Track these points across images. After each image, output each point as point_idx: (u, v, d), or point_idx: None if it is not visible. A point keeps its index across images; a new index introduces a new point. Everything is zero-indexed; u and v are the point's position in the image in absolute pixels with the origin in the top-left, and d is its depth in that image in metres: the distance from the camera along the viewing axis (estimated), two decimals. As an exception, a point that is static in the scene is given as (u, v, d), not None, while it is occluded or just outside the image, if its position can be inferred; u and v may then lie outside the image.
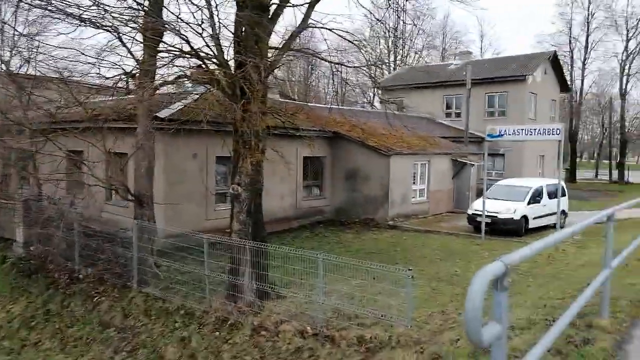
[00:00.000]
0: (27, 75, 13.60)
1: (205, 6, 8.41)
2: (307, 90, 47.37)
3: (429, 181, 19.32)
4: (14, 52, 14.67)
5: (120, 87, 11.87)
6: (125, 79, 11.04)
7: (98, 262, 10.04)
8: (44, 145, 11.98)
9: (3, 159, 14.04)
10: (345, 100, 47.17)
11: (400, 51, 48.17)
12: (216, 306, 8.10)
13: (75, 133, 11.29)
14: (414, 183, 18.58)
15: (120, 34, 10.14)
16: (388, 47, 47.07)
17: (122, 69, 10.28)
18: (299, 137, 15.87)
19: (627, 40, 41.17)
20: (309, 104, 23.29)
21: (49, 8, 9.62)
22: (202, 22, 7.79)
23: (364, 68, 11.09)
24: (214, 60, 8.57)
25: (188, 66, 9.51)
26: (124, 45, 10.26)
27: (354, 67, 10.98)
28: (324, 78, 48.61)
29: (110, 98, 13.96)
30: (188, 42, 8.01)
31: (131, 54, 10.45)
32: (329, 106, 17.34)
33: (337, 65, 10.92)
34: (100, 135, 10.89)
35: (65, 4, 9.18)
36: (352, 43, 9.69)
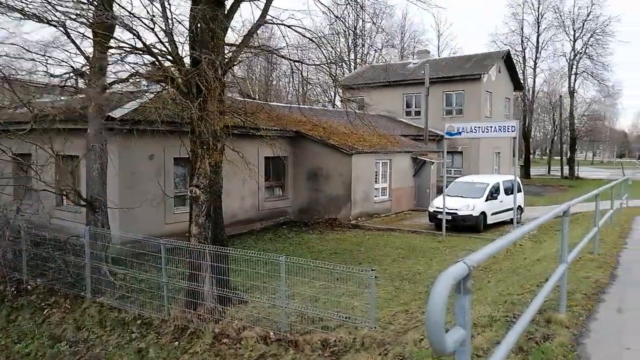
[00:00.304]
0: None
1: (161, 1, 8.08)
2: (268, 89, 46.96)
3: (390, 179, 19.49)
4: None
5: (68, 86, 11.31)
6: (74, 77, 10.53)
7: (48, 272, 9.49)
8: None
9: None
10: (307, 100, 47.08)
11: (360, 50, 48.61)
12: (175, 314, 7.79)
13: (21, 135, 10.64)
14: (376, 182, 18.69)
15: (68, 29, 9.65)
16: (348, 45, 47.35)
17: (71, 66, 9.80)
18: (259, 137, 15.62)
19: (574, 41, 43.11)
20: (270, 103, 23.07)
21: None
22: (154, 17, 7.45)
23: (324, 66, 10.96)
24: (168, 57, 8.25)
25: (142, 63, 9.14)
26: (72, 41, 9.77)
27: (314, 64, 10.89)
28: (285, 77, 48.37)
29: (59, 98, 13.26)
30: (139, 37, 7.67)
31: (80, 50, 9.96)
32: (290, 105, 17.17)
33: (296, 64, 10.80)
34: (47, 137, 10.30)
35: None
36: (312, 40, 9.57)
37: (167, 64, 8.58)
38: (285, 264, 7.17)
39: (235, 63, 9.59)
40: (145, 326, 7.91)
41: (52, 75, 10.03)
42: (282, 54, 11.39)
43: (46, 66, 9.69)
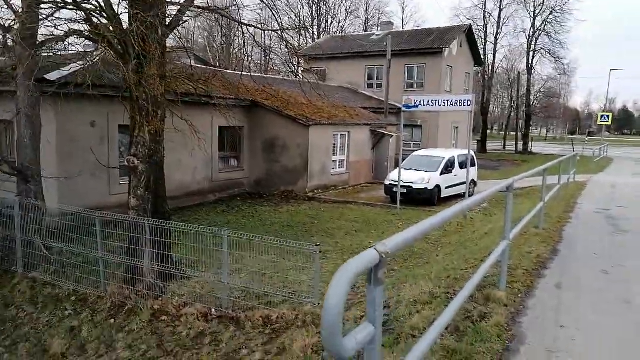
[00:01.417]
0: None
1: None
2: (229, 57, 45.42)
3: (348, 152, 19.30)
4: None
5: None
6: (1, 33, 9.62)
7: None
8: None
9: None
10: (270, 70, 45.93)
11: (324, 20, 47.57)
12: (112, 291, 7.38)
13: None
14: (333, 154, 18.45)
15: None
16: (312, 15, 46.24)
17: (-2, 21, 8.93)
18: (213, 105, 14.97)
19: (534, 17, 43.70)
20: (226, 70, 22.19)
21: None
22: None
23: (278, 32, 10.45)
24: (104, 13, 7.55)
25: (76, 20, 8.35)
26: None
27: (264, 29, 10.34)
28: (247, 46, 46.85)
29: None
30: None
31: (7, 3, 9.06)
32: (246, 73, 16.48)
33: (253, 30, 10.21)
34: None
35: None
36: (262, 1, 9.01)
37: (104, 21, 7.88)
38: (229, 238, 6.86)
39: (180, 23, 8.92)
40: (80, 303, 7.48)
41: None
42: (232, 17, 10.76)
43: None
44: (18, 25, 8.93)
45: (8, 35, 9.78)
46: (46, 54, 10.67)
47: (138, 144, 7.59)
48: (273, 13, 9.15)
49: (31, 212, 8.96)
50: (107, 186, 12.65)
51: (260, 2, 9.99)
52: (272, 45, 46.35)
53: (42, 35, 9.51)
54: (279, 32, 10.78)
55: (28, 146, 9.36)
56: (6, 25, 9.28)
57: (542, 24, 43.48)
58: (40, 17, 8.94)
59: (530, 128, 49.16)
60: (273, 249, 7.81)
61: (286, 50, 40.11)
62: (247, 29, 10.69)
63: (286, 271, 7.70)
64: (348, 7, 48.49)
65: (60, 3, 7.74)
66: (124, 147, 13.38)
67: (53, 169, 11.23)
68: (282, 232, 11.39)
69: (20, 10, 9.01)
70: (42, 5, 8.64)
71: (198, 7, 8.61)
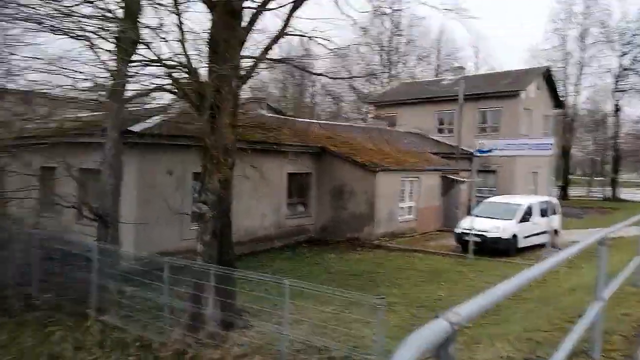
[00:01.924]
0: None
1: (175, 11, 7.94)
2: (299, 105, 47.00)
3: (417, 198, 18.73)
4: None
5: (89, 100, 11.38)
6: (98, 90, 10.56)
7: (55, 288, 9.33)
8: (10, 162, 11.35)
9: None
10: (340, 117, 46.77)
11: (395, 67, 47.96)
12: (175, 337, 7.40)
13: (43, 149, 10.71)
14: (401, 200, 17.99)
15: (93, 44, 9.66)
16: (382, 62, 46.87)
17: (93, 80, 9.79)
18: (283, 152, 15.33)
19: (621, 56, 41.15)
20: (299, 119, 22.87)
21: (19, 16, 9.12)
22: (160, 28, 7.27)
23: (347, 80, 10.56)
24: (184, 69, 8.05)
25: (165, 76, 8.98)
26: (97, 55, 9.78)
27: (335, 77, 10.51)
28: (319, 96, 48.27)
29: (83, 112, 13.39)
30: (150, 48, 7.50)
31: (103, 64, 9.98)
32: (315, 121, 16.83)
33: (325, 78, 10.41)
34: (64, 151, 10.32)
35: (34, 12, 8.66)
36: (332, 51, 9.17)
37: (185, 75, 8.40)
38: (290, 287, 6.68)
39: (252, 75, 9.29)
40: (144, 349, 7.54)
41: (74, 89, 10.07)
42: (304, 67, 11.07)
43: (76, 81, 9.71)
44: (111, 82, 9.76)
45: (101, 93, 10.75)
46: (132, 108, 11.61)
47: (207, 191, 7.80)
48: (340, 59, 9.25)
49: (108, 256, 9.40)
50: (179, 232, 13.11)
51: (330, 51, 10.21)
52: (341, 93, 47.49)
53: (128, 90, 10.32)
54: (349, 81, 10.89)
55: (110, 193, 9.97)
56: (98, 83, 10.18)
57: (630, 62, 40.79)
58: (128, 74, 9.72)
59: (619, 172, 45.19)
60: (336, 299, 7.53)
61: (356, 97, 40.91)
62: (318, 78, 10.95)
63: (349, 324, 7.34)
64: (419, 54, 48.70)
65: (148, 61, 8.36)
66: (197, 194, 13.94)
67: (132, 215, 11.87)
68: (347, 281, 11.04)
69: (115, 69, 9.88)
70: (130, 63, 9.44)
71: (271, 60, 8.93)
